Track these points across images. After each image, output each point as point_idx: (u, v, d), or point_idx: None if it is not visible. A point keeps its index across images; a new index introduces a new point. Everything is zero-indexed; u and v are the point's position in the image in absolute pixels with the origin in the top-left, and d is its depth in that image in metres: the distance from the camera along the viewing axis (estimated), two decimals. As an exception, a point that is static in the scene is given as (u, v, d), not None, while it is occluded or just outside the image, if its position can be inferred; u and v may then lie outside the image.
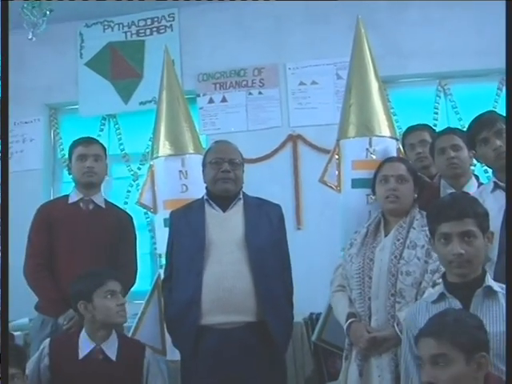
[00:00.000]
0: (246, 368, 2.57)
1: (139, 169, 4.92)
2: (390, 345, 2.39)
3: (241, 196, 2.79)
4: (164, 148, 3.30)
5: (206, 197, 2.80)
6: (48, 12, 3.61)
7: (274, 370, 2.67)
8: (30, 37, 3.57)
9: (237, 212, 2.74)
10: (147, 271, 4.46)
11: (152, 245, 4.72)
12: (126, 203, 4.67)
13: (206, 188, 2.82)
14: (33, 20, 3.58)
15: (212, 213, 2.74)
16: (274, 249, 2.72)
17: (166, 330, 3.00)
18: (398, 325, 2.35)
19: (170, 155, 3.28)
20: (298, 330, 3.79)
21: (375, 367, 2.44)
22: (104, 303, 2.65)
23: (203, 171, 2.82)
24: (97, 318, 2.64)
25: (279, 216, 2.83)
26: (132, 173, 4.94)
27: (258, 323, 2.61)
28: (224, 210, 2.74)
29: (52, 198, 4.88)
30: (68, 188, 4.75)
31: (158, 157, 3.32)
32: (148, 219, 4.73)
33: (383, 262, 2.46)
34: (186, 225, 2.75)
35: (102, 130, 5.05)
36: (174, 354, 3.01)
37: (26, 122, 5.13)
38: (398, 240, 2.49)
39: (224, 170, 2.72)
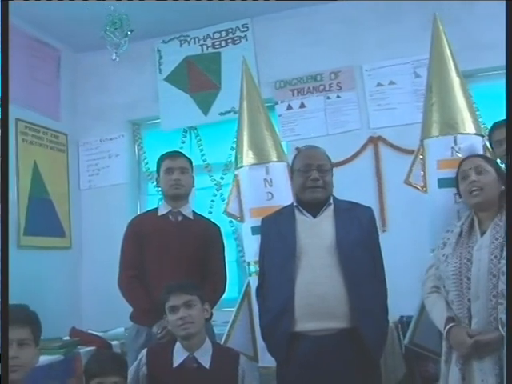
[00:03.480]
0: (339, 375, 2.54)
1: (222, 178, 5.00)
2: (494, 348, 2.32)
3: (331, 201, 2.76)
4: (248, 157, 3.34)
5: (295, 203, 2.79)
6: (129, 32, 3.74)
7: (368, 377, 2.62)
8: (113, 57, 3.71)
9: (327, 217, 2.71)
10: (234, 279, 4.51)
11: (238, 252, 4.79)
12: (210, 213, 4.72)
13: (296, 195, 2.82)
14: (115, 41, 3.72)
15: (302, 219, 2.73)
16: (366, 253, 2.67)
17: (257, 336, 3.03)
18: (502, 327, 2.28)
19: (254, 164, 3.31)
20: (388, 334, 3.75)
21: (478, 371, 2.37)
22: (170, 318, 2.71)
23: (291, 178, 2.82)
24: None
25: (370, 219, 2.79)
26: (215, 183, 5.02)
27: (351, 330, 2.57)
28: (314, 216, 2.72)
29: (138, 210, 5.04)
30: (153, 201, 4.90)
31: (242, 166, 3.36)
32: (233, 227, 4.80)
33: (482, 263, 2.39)
34: (277, 232, 2.76)
35: (183, 142, 5.15)
36: (266, 361, 3.03)
37: (110, 139, 5.31)
38: (497, 239, 2.41)
39: (313, 179, 2.69)
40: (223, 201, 4.77)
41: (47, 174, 4.95)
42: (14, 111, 4.65)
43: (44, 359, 2.36)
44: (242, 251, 4.40)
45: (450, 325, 2.46)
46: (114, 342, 3.85)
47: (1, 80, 2.30)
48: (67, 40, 5.20)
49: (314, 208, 2.73)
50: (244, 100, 3.49)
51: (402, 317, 3.85)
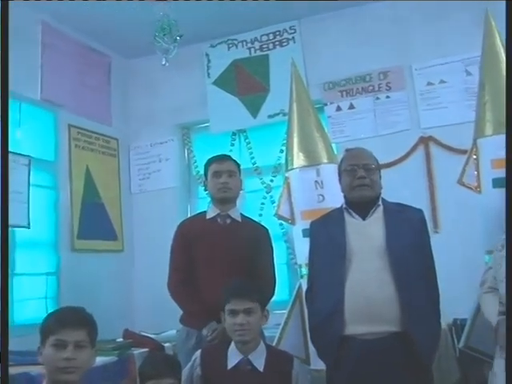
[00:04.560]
0: (390, 379, 2.50)
1: (272, 181, 5.00)
2: None
3: (380, 202, 2.73)
4: (298, 159, 3.35)
5: (344, 205, 2.77)
6: (178, 37, 3.77)
7: (420, 382, 2.57)
8: (163, 63, 3.75)
9: (377, 219, 2.68)
10: (284, 281, 4.51)
11: (288, 255, 4.78)
12: (260, 215, 4.75)
13: (344, 196, 2.79)
14: (165, 47, 3.75)
15: (351, 221, 2.71)
16: (417, 255, 2.62)
17: (309, 339, 3.02)
18: None
19: (305, 166, 3.32)
20: (441, 337, 3.68)
21: None
22: (227, 320, 2.71)
23: (339, 179, 2.81)
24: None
25: (421, 221, 2.75)
26: (265, 185, 5.03)
27: (402, 333, 2.52)
28: (364, 218, 2.70)
29: (189, 213, 5.08)
30: (204, 204, 4.93)
31: (292, 168, 3.37)
32: (283, 230, 4.79)
33: None
34: (326, 234, 2.74)
35: (232, 145, 5.19)
36: (317, 363, 3.02)
37: (160, 143, 5.38)
38: None
39: (359, 177, 2.68)
40: (273, 203, 4.78)
41: (99, 178, 5.05)
42: (66, 117, 4.77)
43: (98, 360, 2.39)
44: (293, 253, 4.41)
45: (500, 317, 2.42)
46: (166, 344, 3.89)
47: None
48: (117, 47, 5.29)
49: (363, 209, 2.71)
50: (294, 102, 3.50)
51: (455, 320, 3.78)
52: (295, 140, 3.41)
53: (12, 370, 2.84)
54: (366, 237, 2.66)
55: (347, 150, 2.92)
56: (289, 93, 3.69)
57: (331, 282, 2.62)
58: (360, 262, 2.60)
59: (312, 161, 3.32)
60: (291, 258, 4.68)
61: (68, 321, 2.14)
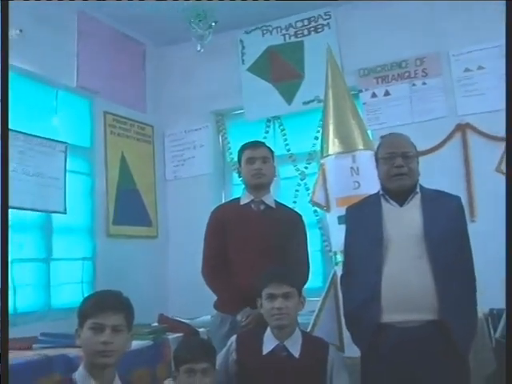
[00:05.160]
0: (426, 368, 2.48)
1: (306, 168, 4.99)
2: None
3: (418, 189, 2.69)
4: (334, 146, 3.32)
5: (381, 192, 2.74)
6: (213, 24, 3.78)
7: (456, 372, 2.53)
8: (198, 49, 3.76)
9: (414, 206, 2.64)
10: (318, 268, 4.50)
11: (322, 242, 4.77)
12: (294, 202, 4.74)
13: (381, 184, 2.76)
14: (200, 33, 3.77)
15: (389, 208, 2.67)
16: (454, 243, 2.58)
17: (343, 326, 3.01)
18: None
19: (341, 153, 3.29)
20: (478, 327, 3.64)
21: None
22: (265, 305, 2.72)
23: (376, 167, 2.77)
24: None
25: (459, 208, 2.71)
26: (299, 172, 5.02)
27: (438, 322, 2.49)
28: (401, 205, 2.66)
29: (223, 200, 5.10)
30: (238, 190, 4.93)
31: (328, 155, 3.34)
32: (318, 217, 4.78)
33: None
34: (363, 221, 2.72)
35: (267, 132, 5.18)
36: (351, 351, 3.01)
37: (195, 130, 5.41)
38: None
39: (397, 166, 2.63)
40: (307, 190, 4.77)
41: (134, 165, 5.09)
42: (101, 104, 4.81)
43: (134, 344, 2.41)
44: (327, 241, 4.40)
45: None
46: (200, 330, 3.91)
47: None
48: (151, 34, 5.32)
49: (400, 196, 2.67)
50: (329, 88, 3.47)
51: (492, 309, 3.74)
52: (331, 126, 3.38)
53: (50, 352, 2.90)
54: (404, 224, 2.62)
55: (384, 137, 2.88)
56: (324, 79, 3.65)
57: (368, 269, 2.60)
58: (397, 250, 2.57)
59: (348, 147, 3.29)
60: (325, 245, 4.67)
61: (106, 305, 2.16)
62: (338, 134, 3.34)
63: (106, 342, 2.12)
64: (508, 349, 1.74)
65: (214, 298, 3.32)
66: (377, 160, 2.77)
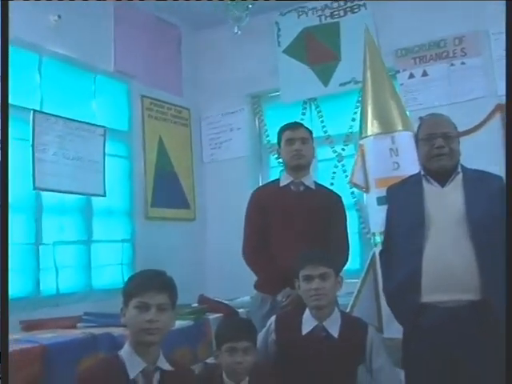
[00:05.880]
0: (467, 348, 2.46)
1: (343, 150, 4.97)
2: None
3: (459, 169, 2.67)
4: (373, 127, 3.31)
5: (422, 172, 2.72)
6: (250, 5, 3.78)
7: (499, 352, 2.45)
8: (235, 31, 3.77)
9: (456, 187, 2.63)
10: (355, 250, 4.49)
11: (360, 224, 4.76)
12: (331, 184, 4.71)
13: (421, 164, 2.74)
14: (237, 14, 3.77)
15: (430, 188, 2.66)
16: (496, 224, 2.53)
17: (382, 307, 3.01)
18: None
19: (380, 134, 3.28)
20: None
21: None
22: (303, 286, 2.73)
23: (416, 148, 2.75)
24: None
25: (501, 188, 2.65)
26: (336, 154, 5.00)
27: (481, 301, 2.48)
28: (442, 186, 2.64)
29: (260, 182, 5.11)
30: (275, 173, 4.96)
31: (367, 136, 3.33)
32: (355, 199, 4.77)
33: None
34: (404, 201, 2.71)
35: (303, 114, 5.16)
36: (390, 332, 3.01)
37: (232, 113, 5.42)
38: None
39: (438, 146, 2.61)
40: (344, 172, 4.77)
41: (172, 148, 5.14)
42: (138, 88, 4.85)
43: (175, 324, 2.46)
44: (365, 222, 4.39)
45: None
46: (240, 310, 3.95)
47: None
48: (187, 18, 5.32)
49: (441, 177, 2.65)
50: (367, 69, 3.45)
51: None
52: (369, 107, 3.36)
53: (95, 331, 2.97)
54: (445, 205, 2.61)
55: (424, 118, 2.86)
56: (360, 60, 3.63)
57: (409, 250, 2.59)
58: (439, 230, 2.56)
59: (387, 128, 3.28)
60: (363, 227, 4.66)
61: (151, 284, 2.20)
62: (377, 114, 3.32)
63: (152, 321, 2.15)
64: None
65: (252, 279, 3.35)
66: (417, 141, 2.75)
